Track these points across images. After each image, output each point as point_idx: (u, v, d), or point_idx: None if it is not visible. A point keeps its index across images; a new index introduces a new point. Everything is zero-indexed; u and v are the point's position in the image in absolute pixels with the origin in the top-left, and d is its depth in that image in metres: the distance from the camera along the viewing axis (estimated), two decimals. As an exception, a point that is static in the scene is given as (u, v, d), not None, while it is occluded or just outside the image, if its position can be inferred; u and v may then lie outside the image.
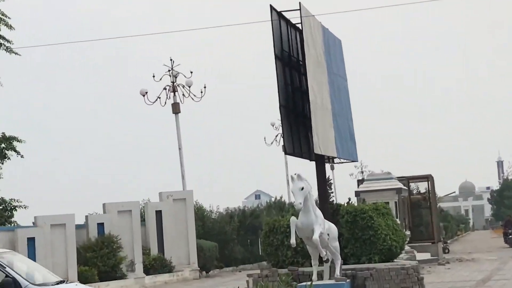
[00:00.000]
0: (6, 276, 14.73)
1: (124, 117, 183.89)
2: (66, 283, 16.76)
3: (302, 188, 21.40)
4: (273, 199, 61.48)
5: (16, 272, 15.06)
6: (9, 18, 39.40)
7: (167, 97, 47.22)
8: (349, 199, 34.10)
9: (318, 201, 23.55)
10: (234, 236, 47.15)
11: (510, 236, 52.35)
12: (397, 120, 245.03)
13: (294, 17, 25.11)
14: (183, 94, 47.68)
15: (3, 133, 38.61)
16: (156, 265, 37.41)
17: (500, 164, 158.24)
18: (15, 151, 38.57)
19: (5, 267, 14.97)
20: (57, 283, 16.31)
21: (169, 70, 47.75)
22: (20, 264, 16.02)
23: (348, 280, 22.64)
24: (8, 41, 39.05)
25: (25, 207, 39.13)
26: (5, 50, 38.94)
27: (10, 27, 39.10)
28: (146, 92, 46.44)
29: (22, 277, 14.96)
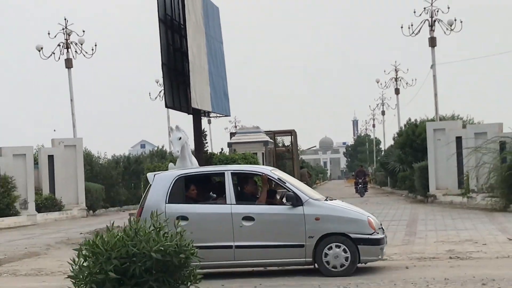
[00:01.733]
0: (288, 191, 14.72)
1: (21, 70, 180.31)
2: (332, 200, 16.18)
3: (180, 138, 22.40)
4: (155, 148, 62.01)
5: (295, 187, 14.89)
6: None
7: (61, 53, 47.50)
8: (222, 149, 35.25)
9: (194, 150, 24.40)
10: (119, 179, 47.75)
11: (360, 186, 53.78)
12: (272, 81, 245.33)
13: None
14: (76, 51, 48.08)
15: None
16: (48, 204, 37.53)
17: (355, 123, 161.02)
18: None
19: (285, 183, 15.03)
20: (326, 199, 15.79)
21: (63, 29, 47.91)
22: (291, 181, 15.81)
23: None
24: None
25: None
26: None
27: None
28: (42, 48, 46.59)
29: (301, 192, 14.78)
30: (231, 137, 45.59)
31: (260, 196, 14.95)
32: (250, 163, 29.07)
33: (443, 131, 39.81)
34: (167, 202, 14.54)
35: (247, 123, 49.39)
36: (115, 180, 47.60)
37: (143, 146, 62.33)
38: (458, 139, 38.21)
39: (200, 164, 23.76)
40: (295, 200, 14.28)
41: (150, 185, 15.25)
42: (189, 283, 8.38)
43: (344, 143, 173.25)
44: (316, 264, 14.03)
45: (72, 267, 8.33)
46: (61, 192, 39.19)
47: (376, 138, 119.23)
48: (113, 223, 8.97)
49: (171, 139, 23.15)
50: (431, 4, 51.37)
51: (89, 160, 43.91)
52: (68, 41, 49.23)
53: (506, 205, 30.94)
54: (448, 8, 48.42)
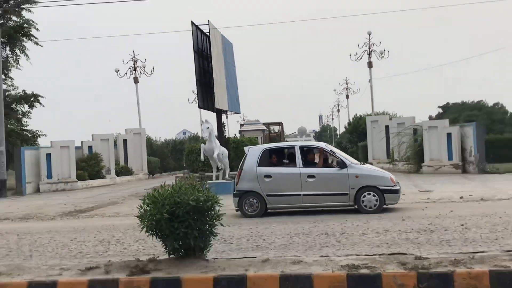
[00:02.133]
0: (336, 158, 15.11)
1: (106, 84, 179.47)
2: (365, 164, 17.44)
3: (208, 128, 22.52)
4: (192, 134, 62.18)
5: (341, 156, 15.29)
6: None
7: (130, 74, 47.56)
8: (235, 134, 35.21)
9: (217, 135, 24.37)
10: (169, 154, 47.94)
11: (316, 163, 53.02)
12: (269, 86, 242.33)
13: (202, 24, 25.91)
14: (140, 72, 48.47)
15: (24, 91, 37.97)
16: (123, 170, 37.42)
17: (320, 117, 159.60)
18: (39, 103, 37.99)
19: (335, 153, 15.43)
20: (362, 163, 16.83)
21: (132, 58, 47.85)
22: (339, 152, 16.02)
23: (232, 180, 23.76)
24: None
25: (45, 135, 38.75)
26: None
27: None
28: (118, 70, 46.81)
29: (345, 159, 15.11)
30: (240, 127, 45.57)
31: (318, 162, 15.35)
32: (253, 144, 29.04)
33: (376, 122, 39.73)
34: (257, 166, 14.97)
35: (250, 117, 49.41)
36: (166, 155, 47.79)
37: (184, 133, 61.96)
38: (387, 127, 38.16)
39: (221, 145, 23.90)
40: (342, 165, 14.81)
41: (246, 155, 15.64)
42: (214, 220, 8.39)
43: (313, 130, 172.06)
44: (356, 206, 14.52)
45: (139, 211, 8.36)
46: (131, 163, 39.13)
47: (334, 127, 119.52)
48: (165, 182, 9.01)
49: (202, 128, 23.29)
50: (369, 40, 51.24)
51: (149, 142, 43.88)
52: (136, 65, 49.33)
53: (417, 169, 31.09)
54: (380, 42, 48.37)
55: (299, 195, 14.67)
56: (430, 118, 56.35)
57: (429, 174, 29.56)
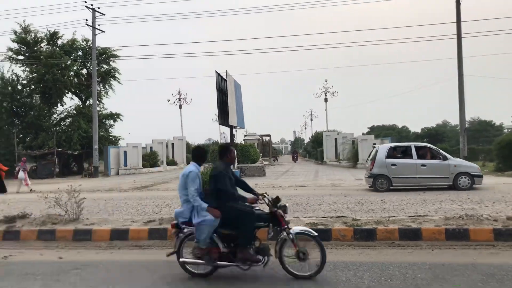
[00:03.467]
0: (440, 154, 14.25)
1: (160, 110, 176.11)
2: (456, 159, 15.18)
3: (224, 136, 22.46)
4: (214, 141, 61.93)
5: (444, 152, 14.57)
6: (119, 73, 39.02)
7: (177, 103, 47.92)
8: (241, 142, 35.07)
9: (230, 141, 24.32)
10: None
11: (295, 157, 52.56)
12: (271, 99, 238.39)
13: (222, 73, 25.91)
14: (182, 102, 48.59)
15: (111, 111, 38.31)
16: (171, 162, 37.23)
17: (294, 132, 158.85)
18: (120, 119, 38.31)
19: (439, 150, 14.57)
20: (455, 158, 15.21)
21: (179, 94, 47.60)
22: (441, 150, 15.02)
23: (239, 170, 23.70)
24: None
25: (123, 139, 38.66)
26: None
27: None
28: (169, 100, 47.02)
29: (446, 154, 14.46)
30: (244, 137, 45.30)
31: (427, 156, 14.40)
32: (252, 147, 29.07)
33: (329, 136, 39.70)
34: (386, 157, 14.34)
35: (250, 130, 49.51)
36: None
37: (209, 140, 62.05)
38: (335, 139, 38.17)
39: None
40: (444, 158, 14.13)
41: (377, 150, 14.85)
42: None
43: (290, 140, 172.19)
44: (454, 185, 13.82)
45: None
46: (176, 158, 38.90)
47: (303, 138, 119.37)
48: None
49: (221, 136, 23.25)
50: (325, 85, 51.49)
51: (187, 145, 43.20)
52: (180, 97, 49.55)
53: (354, 166, 30.98)
54: (332, 86, 48.69)
55: (415, 177, 14.03)
56: (363, 134, 56.24)
57: (361, 169, 29.47)
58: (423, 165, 14.11)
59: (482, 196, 11.57)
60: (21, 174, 18.91)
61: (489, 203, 10.10)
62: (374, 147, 15.83)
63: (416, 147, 14.68)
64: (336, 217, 8.37)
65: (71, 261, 6.43)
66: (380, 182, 14.27)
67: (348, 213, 8.96)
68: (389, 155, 14.51)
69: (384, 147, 15.20)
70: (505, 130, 72.86)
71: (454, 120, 68.29)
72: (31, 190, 18.46)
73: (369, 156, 15.99)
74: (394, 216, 8.25)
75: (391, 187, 14.16)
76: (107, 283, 5.29)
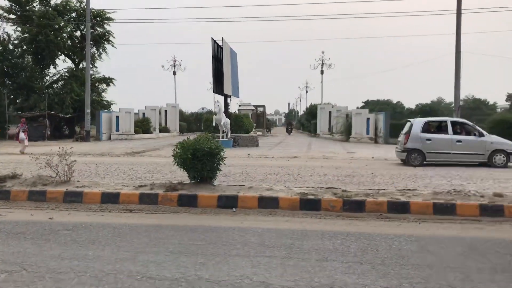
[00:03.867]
0: (476, 130, 14.19)
1: (155, 75, 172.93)
2: (493, 135, 14.73)
3: (218, 105, 22.35)
4: (208, 109, 61.44)
5: (480, 129, 14.45)
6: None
7: (171, 69, 47.33)
8: (235, 111, 34.97)
9: (224, 111, 24.24)
10: (193, 121, 47.03)
11: (290, 129, 49.74)
12: (267, 70, 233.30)
13: (218, 40, 25.55)
14: (177, 68, 47.75)
15: (104, 75, 37.86)
16: (163, 129, 36.99)
17: (289, 104, 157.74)
18: (113, 83, 37.96)
19: (475, 126, 14.54)
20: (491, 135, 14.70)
21: (173, 60, 46.73)
22: (478, 127, 14.85)
23: (232, 139, 23.80)
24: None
25: (115, 104, 38.32)
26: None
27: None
28: (163, 66, 46.32)
29: (483, 131, 14.28)
30: (239, 106, 45.09)
31: (462, 132, 14.31)
32: (246, 117, 29.05)
33: (323, 109, 39.65)
34: (421, 132, 14.17)
35: (244, 100, 49.24)
36: (191, 121, 46.70)
37: (203, 108, 61.51)
38: (330, 112, 38.16)
39: (226, 117, 23.83)
40: (481, 135, 14.02)
41: (412, 124, 14.65)
42: (220, 161, 8.37)
43: (284, 112, 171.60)
44: (488, 162, 13.75)
45: (173, 152, 8.34)
46: (169, 125, 38.63)
47: (297, 110, 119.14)
48: (190, 136, 8.95)
49: (215, 105, 23.18)
50: (322, 57, 51.12)
51: (181, 113, 42.88)
52: (175, 63, 49.03)
53: (347, 139, 31.08)
54: (329, 58, 48.34)
55: (450, 153, 13.86)
56: (357, 108, 56.18)
57: (354, 142, 29.66)
58: (458, 141, 13.98)
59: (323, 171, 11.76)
60: (22, 135, 19.02)
61: (478, 180, 10.24)
62: (408, 121, 15.59)
63: (452, 123, 14.55)
64: (327, 188, 8.44)
65: (61, 222, 6.48)
66: (414, 157, 14.14)
67: (339, 185, 9.05)
68: (424, 130, 14.34)
69: (419, 121, 14.97)
70: (498, 109, 73.17)
71: (449, 98, 68.38)
72: (22, 152, 18.40)
73: (402, 129, 15.75)
74: (384, 189, 8.35)
75: (425, 162, 14.03)
76: (97, 243, 5.34)
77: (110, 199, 7.68)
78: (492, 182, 9.92)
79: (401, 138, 15.15)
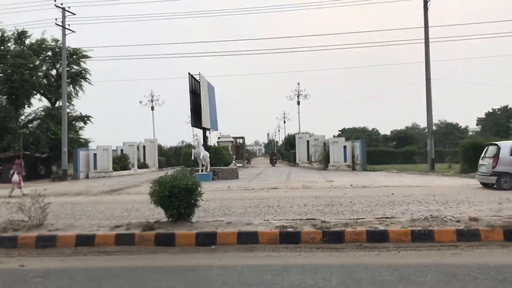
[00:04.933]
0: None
1: (133, 111, 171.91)
2: None
3: (197, 139, 22.30)
4: (187, 143, 61.10)
5: None
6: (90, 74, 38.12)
7: (149, 104, 47.17)
8: (214, 144, 34.89)
9: (203, 144, 24.16)
10: (172, 155, 46.42)
11: (274, 160, 46.35)
12: (245, 102, 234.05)
13: (195, 74, 25.72)
14: (155, 104, 47.54)
15: (81, 113, 37.50)
16: (142, 165, 36.47)
17: (268, 134, 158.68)
18: (90, 121, 37.56)
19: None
20: None
21: (151, 96, 46.80)
22: None
23: (211, 172, 23.65)
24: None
25: (93, 141, 37.91)
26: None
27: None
28: (141, 102, 45.86)
29: None
30: (218, 139, 45.13)
31: None
32: (225, 150, 28.96)
33: (301, 138, 40.04)
34: (510, 155, 13.95)
35: (224, 132, 49.28)
36: (170, 156, 46.09)
37: (182, 142, 61.11)
38: (308, 141, 38.51)
39: (205, 150, 23.73)
40: None
41: (499, 148, 14.41)
42: (197, 197, 8.25)
43: (264, 142, 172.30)
44: None
45: (150, 190, 8.20)
46: (148, 161, 38.09)
47: (276, 140, 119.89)
48: (167, 173, 8.83)
49: (193, 139, 23.08)
50: (298, 88, 51.98)
51: (159, 147, 42.43)
52: (153, 99, 48.98)
53: (325, 167, 31.28)
54: (304, 89, 49.22)
55: None
56: (334, 136, 56.89)
57: (332, 171, 29.84)
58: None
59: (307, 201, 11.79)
60: (15, 177, 18.33)
61: (454, 204, 10.34)
62: (492, 145, 15.37)
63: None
64: (306, 219, 8.38)
65: (33, 269, 6.20)
66: (504, 180, 13.95)
67: (318, 215, 9.00)
68: None
69: (507, 144, 14.68)
70: (470, 133, 75.14)
71: (423, 123, 69.88)
72: (23, 194, 17.65)
73: (484, 153, 15.52)
74: (363, 218, 8.34)
75: None
76: (70, 291, 5.12)
77: (85, 241, 7.43)
78: (468, 206, 10.03)
79: (485, 162, 14.90)
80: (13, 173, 18.45)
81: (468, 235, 6.94)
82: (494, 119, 65.58)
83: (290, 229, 7.37)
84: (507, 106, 67.31)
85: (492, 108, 70.59)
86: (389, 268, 5.63)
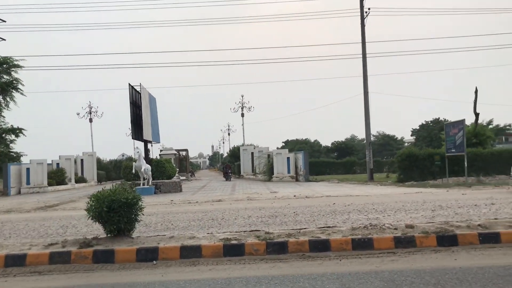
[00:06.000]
0: None
1: (69, 124, 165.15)
2: None
3: (138, 152, 21.75)
4: (128, 156, 59.40)
5: None
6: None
7: (88, 117, 44.95)
8: (156, 157, 34.16)
9: (144, 157, 23.61)
10: (112, 169, 44.69)
11: (229, 173, 37.17)
12: (188, 114, 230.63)
13: (136, 85, 25.17)
14: (93, 116, 45.61)
15: (12, 125, 35.37)
16: (80, 179, 34.91)
17: (212, 146, 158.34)
18: (22, 133, 35.34)
19: None
20: None
21: (90, 109, 44.84)
22: None
23: (154, 186, 23.08)
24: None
25: (26, 155, 35.76)
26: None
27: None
28: (78, 113, 43.92)
29: None
30: (160, 152, 44.25)
31: None
32: (168, 162, 28.46)
33: (246, 150, 40.29)
34: None
35: (167, 145, 48.40)
36: (110, 169, 44.34)
37: (123, 155, 59.27)
38: (252, 153, 38.78)
39: (147, 162, 23.18)
40: None
41: None
42: (138, 212, 8.01)
43: (208, 155, 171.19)
44: None
45: (87, 205, 7.85)
46: (86, 174, 36.57)
47: (221, 153, 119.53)
48: (105, 187, 8.50)
49: (134, 152, 22.58)
50: (242, 101, 52.22)
51: (98, 161, 40.75)
52: (92, 111, 47.19)
53: (269, 179, 31.61)
54: (248, 102, 49.44)
55: None
56: (277, 148, 57.85)
57: (276, 182, 30.19)
58: None
59: (251, 213, 12.30)
60: None
61: (391, 212, 10.80)
62: None
63: None
64: (250, 231, 8.38)
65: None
66: None
67: (262, 227, 9.04)
68: None
69: None
70: (406, 144, 79.17)
71: (361, 135, 72.68)
72: None
73: None
74: (305, 228, 8.47)
75: None
76: (-4, 316, 4.75)
77: (15, 261, 6.95)
78: (405, 213, 10.51)
79: None
80: None
81: (405, 242, 7.26)
82: (427, 131, 69.71)
83: (234, 241, 7.34)
84: (438, 118, 71.86)
85: (425, 120, 75.07)
86: (331, 277, 5.75)
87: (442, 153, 24.77)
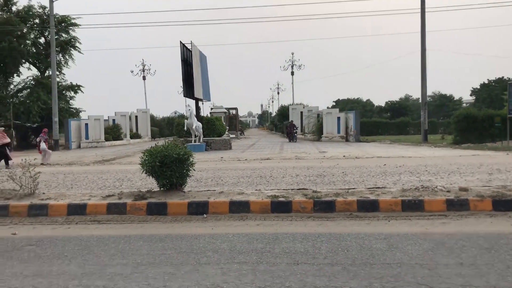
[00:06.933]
0: None
1: (123, 80, 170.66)
2: None
3: (189, 109, 22.14)
4: (180, 113, 60.77)
5: None
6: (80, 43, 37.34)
7: (141, 74, 46.31)
8: (207, 115, 34.74)
9: (195, 115, 24.04)
10: (164, 126, 46.38)
11: (295, 133, 32.02)
12: (239, 72, 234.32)
13: (187, 43, 25.32)
14: (147, 73, 46.74)
15: (71, 82, 37.03)
16: (135, 135, 36.46)
17: (261, 105, 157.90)
18: (81, 90, 37.00)
19: None
20: None
21: (142, 65, 46.02)
22: None
23: (205, 143, 23.62)
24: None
25: (84, 111, 37.73)
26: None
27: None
28: (132, 71, 45.40)
29: None
30: (211, 110, 44.79)
31: None
32: (218, 120, 28.90)
33: (295, 109, 40.04)
34: None
35: (217, 103, 49.03)
36: (163, 126, 46.12)
37: (175, 112, 60.65)
38: (301, 113, 38.51)
39: (198, 120, 23.65)
40: None
41: None
42: (189, 167, 8.27)
43: (257, 113, 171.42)
44: None
45: (141, 160, 8.18)
46: (140, 131, 38.16)
47: (270, 112, 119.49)
48: (158, 142, 8.78)
49: (186, 110, 22.94)
50: (292, 58, 51.35)
51: (152, 118, 42.37)
52: (145, 69, 48.26)
53: (319, 138, 31.39)
54: (299, 59, 48.71)
55: None
56: (328, 107, 56.91)
57: (326, 142, 29.94)
58: None
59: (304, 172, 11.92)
60: (43, 145, 18.84)
61: (445, 175, 10.45)
62: None
63: None
64: (297, 189, 8.44)
65: (25, 237, 6.24)
66: None
67: (310, 185, 9.06)
68: None
69: None
70: (464, 104, 75.30)
71: (416, 94, 69.92)
72: (44, 163, 17.39)
73: None
74: (354, 188, 8.41)
75: None
76: (62, 258, 5.16)
77: (76, 210, 7.46)
78: (459, 176, 10.14)
79: None
80: (40, 141, 19.18)
81: (457, 205, 7.05)
82: (488, 91, 65.67)
83: (281, 199, 7.43)
84: (502, 77, 67.26)
85: (487, 79, 70.51)
86: (379, 237, 5.72)
87: (504, 114, 23.35)
